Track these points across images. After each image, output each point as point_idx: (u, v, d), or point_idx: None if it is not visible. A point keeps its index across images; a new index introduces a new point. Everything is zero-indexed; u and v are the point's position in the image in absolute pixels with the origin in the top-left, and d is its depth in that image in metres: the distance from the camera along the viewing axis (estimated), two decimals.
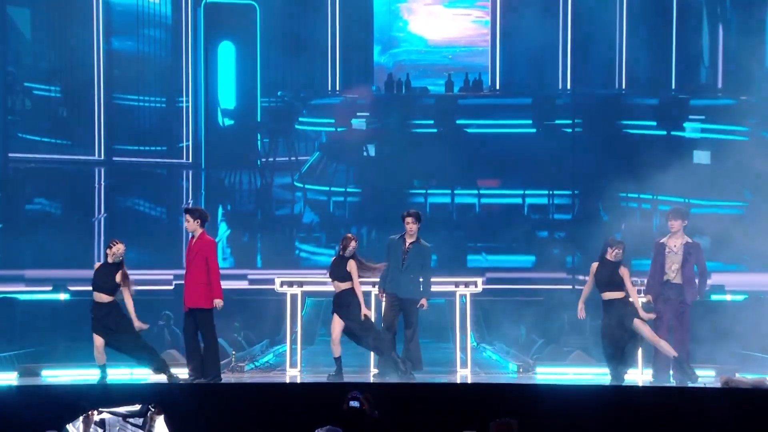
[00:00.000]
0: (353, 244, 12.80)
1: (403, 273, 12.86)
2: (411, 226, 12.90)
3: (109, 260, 12.05)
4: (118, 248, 12.02)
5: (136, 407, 9.11)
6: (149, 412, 9.06)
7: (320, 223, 22.00)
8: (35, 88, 21.44)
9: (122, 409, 9.09)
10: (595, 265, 12.57)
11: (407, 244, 12.95)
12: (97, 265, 12.21)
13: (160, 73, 21.92)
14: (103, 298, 12.00)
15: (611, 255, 12.46)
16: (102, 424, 9.07)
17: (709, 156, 20.63)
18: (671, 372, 12.60)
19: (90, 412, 8.97)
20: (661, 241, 12.82)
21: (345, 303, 12.76)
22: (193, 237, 12.41)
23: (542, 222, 21.39)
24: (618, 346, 12.35)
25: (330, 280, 12.96)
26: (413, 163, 21.40)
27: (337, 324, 12.83)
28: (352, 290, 12.71)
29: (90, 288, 12.32)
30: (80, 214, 21.26)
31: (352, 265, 12.73)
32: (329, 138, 22.22)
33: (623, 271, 12.40)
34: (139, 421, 9.05)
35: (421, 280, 12.98)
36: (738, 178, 19.49)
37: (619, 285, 12.41)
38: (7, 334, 17.25)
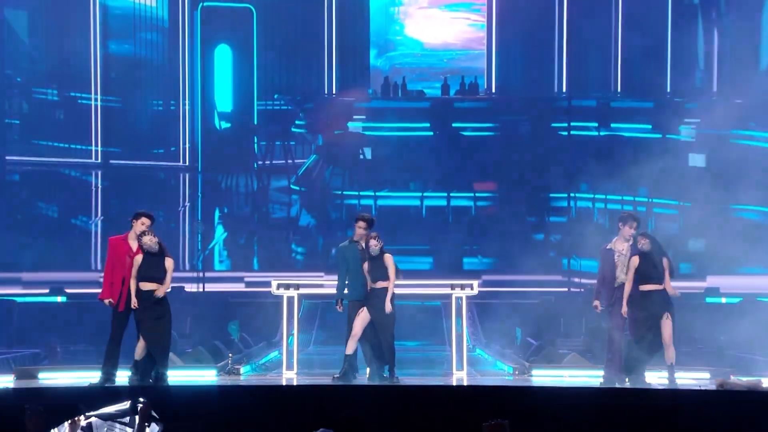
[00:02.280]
0: (372, 242, 12.67)
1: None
2: (362, 231, 12.76)
3: (153, 251, 12.09)
4: (147, 239, 12.10)
5: (125, 404, 9.10)
6: (138, 408, 9.06)
7: (316, 226, 22.05)
8: (32, 91, 21.49)
9: (110, 409, 9.08)
10: (636, 259, 12.55)
11: (361, 248, 12.83)
12: (138, 258, 12.15)
13: (157, 77, 21.96)
14: (152, 286, 12.08)
15: (640, 245, 12.52)
16: (89, 428, 9.05)
17: (704, 159, 20.71)
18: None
19: (76, 418, 8.95)
20: (608, 246, 12.84)
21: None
22: (128, 238, 12.27)
23: (538, 225, 21.44)
24: (646, 343, 12.36)
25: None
26: (409, 166, 21.46)
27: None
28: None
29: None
30: (77, 217, 21.29)
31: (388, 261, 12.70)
32: (326, 141, 22.27)
33: (665, 263, 12.47)
34: (127, 419, 9.04)
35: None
36: (732, 181, 19.56)
37: (657, 277, 12.44)
38: (4, 337, 17.28)
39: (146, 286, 12.08)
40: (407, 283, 14.07)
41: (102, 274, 12.39)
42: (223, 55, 22.28)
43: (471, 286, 14.01)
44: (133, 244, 12.21)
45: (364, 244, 12.69)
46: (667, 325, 12.48)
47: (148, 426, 8.85)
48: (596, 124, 21.46)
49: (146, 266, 12.09)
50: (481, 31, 22.46)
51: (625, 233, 12.73)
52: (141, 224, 12.25)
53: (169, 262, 12.12)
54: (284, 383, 13.40)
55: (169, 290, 12.17)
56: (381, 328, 12.73)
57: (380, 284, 12.56)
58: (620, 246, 12.74)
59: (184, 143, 22.08)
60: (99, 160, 21.60)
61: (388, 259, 12.56)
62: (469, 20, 22.67)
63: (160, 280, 12.09)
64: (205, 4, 22.00)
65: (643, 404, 11.38)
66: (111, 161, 21.68)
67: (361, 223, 12.74)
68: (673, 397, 11.72)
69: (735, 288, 18.66)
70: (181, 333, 17.18)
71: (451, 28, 22.66)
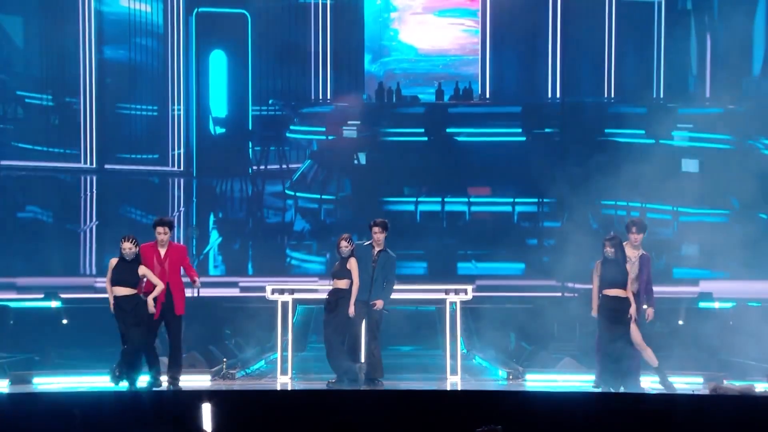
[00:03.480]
0: (343, 243, 12.93)
1: (374, 281, 12.94)
2: (378, 236, 13.00)
3: (129, 258, 12.18)
4: (124, 246, 12.18)
5: None
6: None
7: (311, 231, 22.08)
8: (27, 96, 21.50)
9: None
10: (597, 263, 12.63)
11: (375, 252, 13.02)
12: (113, 261, 12.28)
13: (152, 82, 21.99)
14: (128, 291, 12.12)
15: (607, 252, 12.56)
16: None
17: (697, 164, 20.78)
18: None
19: None
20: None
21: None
22: (156, 245, 12.41)
23: (532, 230, 21.49)
24: (614, 350, 12.41)
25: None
26: (404, 172, 21.51)
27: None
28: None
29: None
30: (72, 222, 21.31)
31: (352, 264, 12.89)
32: (320, 146, 22.31)
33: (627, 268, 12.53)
34: None
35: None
36: (725, 187, 19.64)
37: (620, 283, 12.49)
38: None
39: (120, 291, 12.16)
40: (402, 288, 14.13)
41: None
42: (218, 61, 22.31)
43: (465, 291, 14.08)
44: (162, 250, 12.36)
45: (376, 252, 12.94)
46: (634, 331, 12.55)
47: None
48: (589, 130, 21.51)
49: (120, 271, 12.19)
50: (475, 36, 22.51)
51: (631, 240, 12.76)
52: (157, 233, 12.42)
53: (142, 269, 12.21)
54: (279, 388, 13.43)
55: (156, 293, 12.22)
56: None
57: (338, 284, 12.69)
58: (630, 253, 12.74)
59: (179, 148, 22.11)
60: (94, 165, 21.62)
61: (351, 263, 12.80)
62: (463, 26, 22.72)
63: (134, 285, 12.17)
64: (200, 9, 22.02)
65: (636, 409, 11.43)
66: (106, 166, 21.70)
67: (377, 228, 12.94)
68: (667, 401, 11.77)
69: (728, 293, 18.72)
70: None
71: (445, 33, 22.71)
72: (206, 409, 10.31)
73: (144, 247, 12.39)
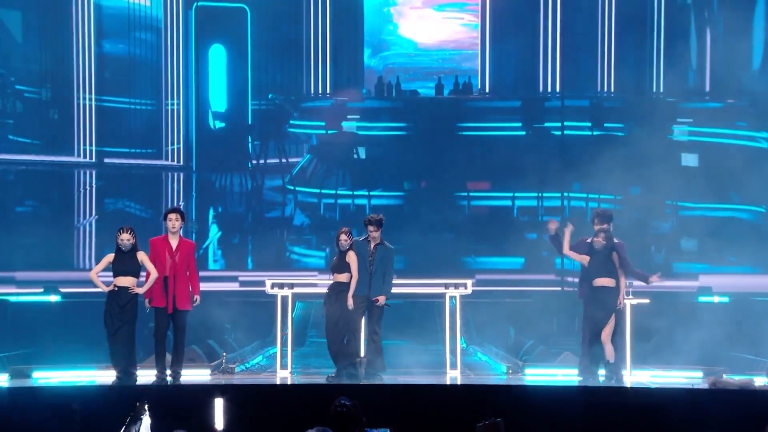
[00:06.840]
0: (342, 237, 12.95)
1: (373, 276, 12.95)
2: (374, 234, 13.01)
3: (125, 249, 12.15)
4: (122, 237, 12.14)
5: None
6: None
7: (311, 226, 22.08)
8: (26, 90, 21.49)
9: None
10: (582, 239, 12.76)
11: (372, 246, 13.03)
12: (110, 256, 12.25)
13: (151, 76, 21.98)
14: (129, 281, 12.09)
15: (596, 243, 12.62)
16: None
17: (697, 159, 20.78)
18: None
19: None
20: (588, 240, 12.92)
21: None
22: (168, 237, 12.37)
23: (531, 224, 21.50)
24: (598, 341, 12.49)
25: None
26: (403, 166, 21.50)
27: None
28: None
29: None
30: (71, 216, 21.31)
31: (351, 257, 12.91)
32: (320, 141, 22.31)
33: (614, 258, 12.58)
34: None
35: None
36: (725, 181, 19.64)
37: (610, 272, 12.54)
38: None
39: (122, 281, 12.16)
40: (401, 282, 14.15)
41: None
42: (218, 55, 22.30)
43: (465, 285, 14.08)
44: (173, 243, 12.33)
45: (372, 246, 12.95)
46: (609, 324, 12.58)
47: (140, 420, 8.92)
48: (589, 124, 21.52)
49: (119, 262, 12.18)
50: (474, 31, 22.50)
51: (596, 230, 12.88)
52: (168, 219, 12.39)
53: (140, 255, 12.20)
54: (278, 382, 13.43)
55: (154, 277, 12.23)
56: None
57: (338, 277, 12.73)
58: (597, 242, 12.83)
59: (178, 143, 22.10)
60: (93, 160, 21.62)
61: (351, 256, 12.83)
62: (463, 20, 22.71)
63: (135, 274, 12.19)
64: (199, 3, 22.01)
65: (636, 402, 11.44)
66: (105, 160, 21.70)
67: (370, 227, 12.96)
68: (666, 395, 11.79)
69: (727, 287, 18.72)
70: None
71: (444, 28, 22.70)
72: (219, 404, 10.33)
73: (154, 241, 12.37)
